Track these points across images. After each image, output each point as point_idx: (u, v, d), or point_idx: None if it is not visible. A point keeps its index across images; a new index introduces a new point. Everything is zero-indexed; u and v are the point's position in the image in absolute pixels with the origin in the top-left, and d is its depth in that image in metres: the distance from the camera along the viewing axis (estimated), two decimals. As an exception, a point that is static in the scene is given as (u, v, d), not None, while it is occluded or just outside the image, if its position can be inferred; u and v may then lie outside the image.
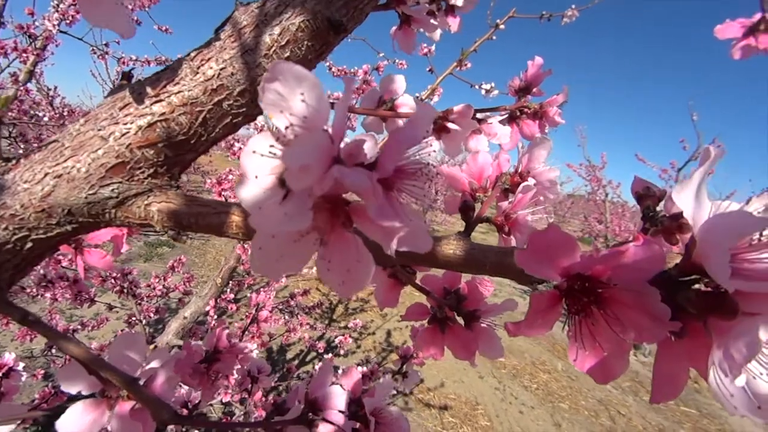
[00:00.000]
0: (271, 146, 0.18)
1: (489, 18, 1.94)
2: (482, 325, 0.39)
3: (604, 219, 6.55)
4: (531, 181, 0.37)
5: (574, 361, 0.24)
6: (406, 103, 0.46)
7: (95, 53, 3.39)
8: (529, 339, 4.41)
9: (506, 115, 0.51)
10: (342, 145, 0.20)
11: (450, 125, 0.43)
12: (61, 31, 2.08)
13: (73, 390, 0.35)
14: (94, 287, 2.11)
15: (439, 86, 2.01)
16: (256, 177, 0.18)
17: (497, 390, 3.45)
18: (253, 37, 0.31)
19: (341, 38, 0.35)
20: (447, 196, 0.39)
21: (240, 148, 2.28)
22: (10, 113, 2.08)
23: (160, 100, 0.31)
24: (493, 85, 2.16)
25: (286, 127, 0.18)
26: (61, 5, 2.04)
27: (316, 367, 2.58)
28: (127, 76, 0.35)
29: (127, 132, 0.30)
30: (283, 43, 0.32)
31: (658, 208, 0.35)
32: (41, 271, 1.81)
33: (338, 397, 0.44)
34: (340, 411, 0.43)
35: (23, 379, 0.76)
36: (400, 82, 0.46)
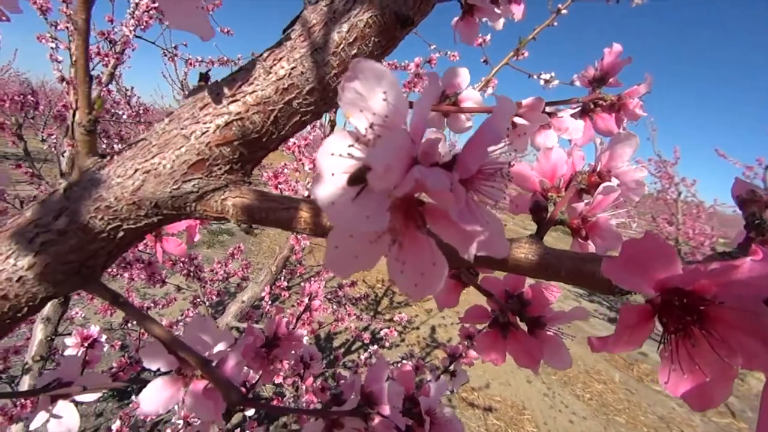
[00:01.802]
0: (350, 146, 0.18)
1: (550, 3, 1.81)
2: (548, 333, 0.37)
3: (675, 220, 5.95)
4: (614, 181, 0.33)
5: (666, 384, 0.22)
6: (470, 98, 0.44)
7: (166, 55, 3.68)
8: (584, 345, 4.15)
9: (578, 108, 0.47)
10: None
11: (517, 120, 0.41)
12: (136, 36, 2.28)
13: (153, 366, 0.38)
14: (165, 270, 2.32)
15: (494, 78, 1.92)
16: (333, 175, 0.18)
17: (546, 396, 3.30)
18: (322, 35, 0.32)
19: (407, 32, 0.34)
20: (514, 194, 0.37)
21: (294, 143, 2.37)
22: (93, 111, 2.32)
23: (236, 100, 0.32)
24: (553, 74, 2.02)
25: (367, 128, 0.17)
26: (136, 12, 2.24)
27: (362, 356, 2.64)
28: (204, 77, 0.37)
29: (207, 131, 0.32)
30: (351, 40, 0.32)
31: (765, 215, 0.31)
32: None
33: (393, 393, 0.44)
34: (395, 407, 0.43)
35: (105, 349, 0.84)
36: (464, 75, 0.44)
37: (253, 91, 0.32)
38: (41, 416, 0.42)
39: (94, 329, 0.87)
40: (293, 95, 0.32)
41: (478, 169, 0.20)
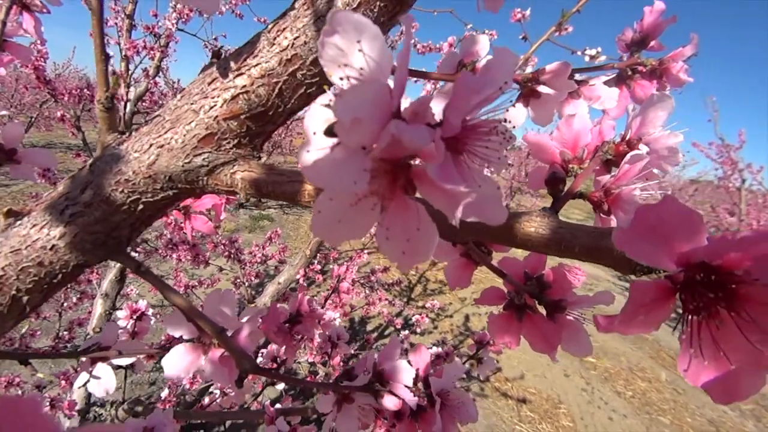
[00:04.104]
0: (328, 102, 0.17)
1: (599, -29, 1.67)
2: (568, 317, 0.34)
3: (737, 210, 5.39)
4: (644, 149, 0.30)
5: (686, 372, 0.20)
6: (489, 67, 0.41)
7: (207, 47, 3.81)
8: (629, 341, 3.93)
9: (613, 76, 0.43)
10: (407, 103, 0.18)
11: (541, 88, 0.38)
12: (178, 29, 2.38)
13: (176, 334, 0.41)
14: (209, 252, 2.46)
15: (533, 55, 1.82)
16: (314, 133, 0.17)
17: (584, 391, 3.18)
18: (325, 2, 0.31)
19: (417, -4, 0.32)
20: (533, 168, 0.34)
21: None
22: (143, 103, 2.47)
23: (242, 74, 0.32)
24: (599, 50, 1.87)
25: (341, 78, 0.17)
26: (178, 5, 2.33)
27: (393, 341, 2.67)
28: (217, 53, 0.37)
29: (215, 105, 0.33)
30: (354, 5, 0.30)
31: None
32: (169, 236, 2.17)
33: (405, 372, 0.44)
34: (405, 386, 0.43)
35: (152, 322, 0.91)
36: (483, 43, 0.41)
37: (258, 64, 0.31)
38: (82, 377, 0.46)
39: (142, 303, 0.94)
40: (297, 66, 0.31)
41: (472, 127, 0.18)
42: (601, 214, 0.31)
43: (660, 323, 0.20)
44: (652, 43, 0.43)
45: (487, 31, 2.56)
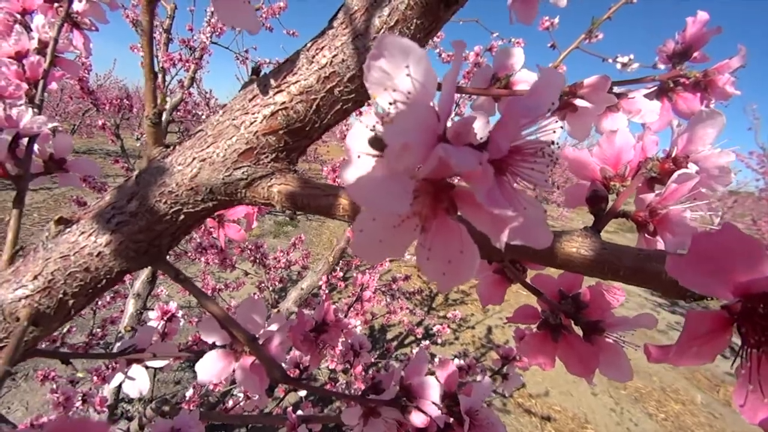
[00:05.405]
0: (374, 126, 0.17)
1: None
2: (607, 339, 0.33)
3: (784, 223, 5.05)
4: (693, 168, 0.28)
5: (742, 407, 0.18)
6: (524, 80, 0.40)
7: (238, 59, 3.95)
8: (661, 359, 3.72)
9: (654, 88, 0.41)
10: (449, 123, 0.18)
11: (578, 102, 0.37)
12: (212, 42, 2.48)
13: (209, 340, 0.42)
14: (235, 256, 2.52)
15: (562, 63, 1.78)
16: (359, 157, 0.17)
17: (613, 411, 3.03)
18: (363, 21, 0.31)
19: (453, 12, 0.32)
20: (569, 185, 0.34)
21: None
22: (177, 112, 2.58)
23: (281, 90, 0.33)
24: (631, 57, 1.82)
25: (390, 104, 0.17)
26: (212, 20, 2.44)
27: (414, 350, 2.64)
28: (256, 70, 0.39)
29: (255, 120, 0.34)
30: (392, 23, 0.31)
31: None
32: (198, 240, 2.24)
33: (433, 389, 0.43)
34: (434, 403, 0.42)
35: (181, 324, 0.94)
36: (517, 56, 0.40)
37: (297, 81, 0.32)
38: (118, 377, 0.47)
39: (173, 305, 0.97)
40: (334, 83, 0.32)
41: (517, 148, 0.18)
42: (646, 235, 0.30)
43: (715, 356, 0.19)
44: (695, 54, 0.41)
45: (513, 40, 2.53)
